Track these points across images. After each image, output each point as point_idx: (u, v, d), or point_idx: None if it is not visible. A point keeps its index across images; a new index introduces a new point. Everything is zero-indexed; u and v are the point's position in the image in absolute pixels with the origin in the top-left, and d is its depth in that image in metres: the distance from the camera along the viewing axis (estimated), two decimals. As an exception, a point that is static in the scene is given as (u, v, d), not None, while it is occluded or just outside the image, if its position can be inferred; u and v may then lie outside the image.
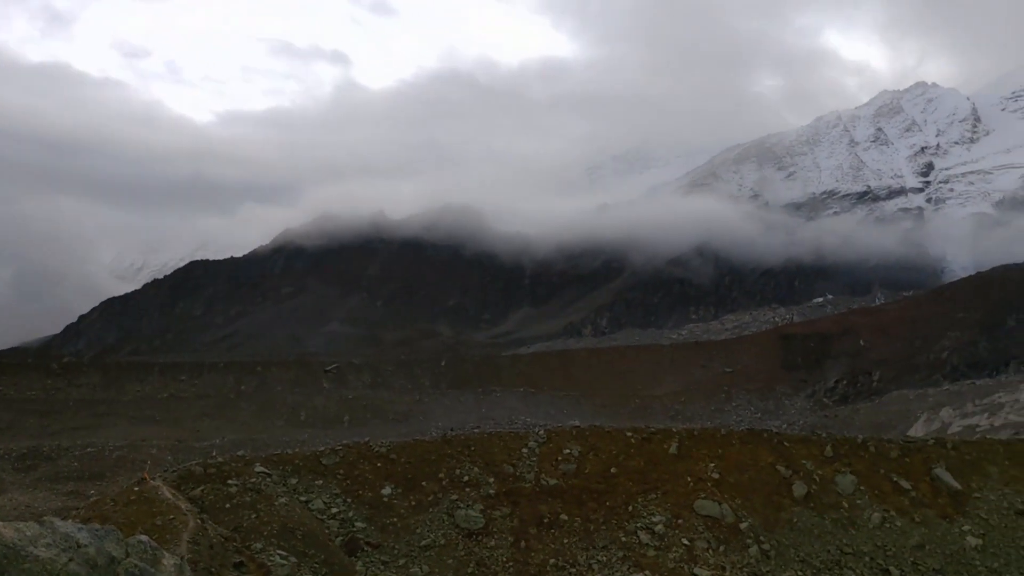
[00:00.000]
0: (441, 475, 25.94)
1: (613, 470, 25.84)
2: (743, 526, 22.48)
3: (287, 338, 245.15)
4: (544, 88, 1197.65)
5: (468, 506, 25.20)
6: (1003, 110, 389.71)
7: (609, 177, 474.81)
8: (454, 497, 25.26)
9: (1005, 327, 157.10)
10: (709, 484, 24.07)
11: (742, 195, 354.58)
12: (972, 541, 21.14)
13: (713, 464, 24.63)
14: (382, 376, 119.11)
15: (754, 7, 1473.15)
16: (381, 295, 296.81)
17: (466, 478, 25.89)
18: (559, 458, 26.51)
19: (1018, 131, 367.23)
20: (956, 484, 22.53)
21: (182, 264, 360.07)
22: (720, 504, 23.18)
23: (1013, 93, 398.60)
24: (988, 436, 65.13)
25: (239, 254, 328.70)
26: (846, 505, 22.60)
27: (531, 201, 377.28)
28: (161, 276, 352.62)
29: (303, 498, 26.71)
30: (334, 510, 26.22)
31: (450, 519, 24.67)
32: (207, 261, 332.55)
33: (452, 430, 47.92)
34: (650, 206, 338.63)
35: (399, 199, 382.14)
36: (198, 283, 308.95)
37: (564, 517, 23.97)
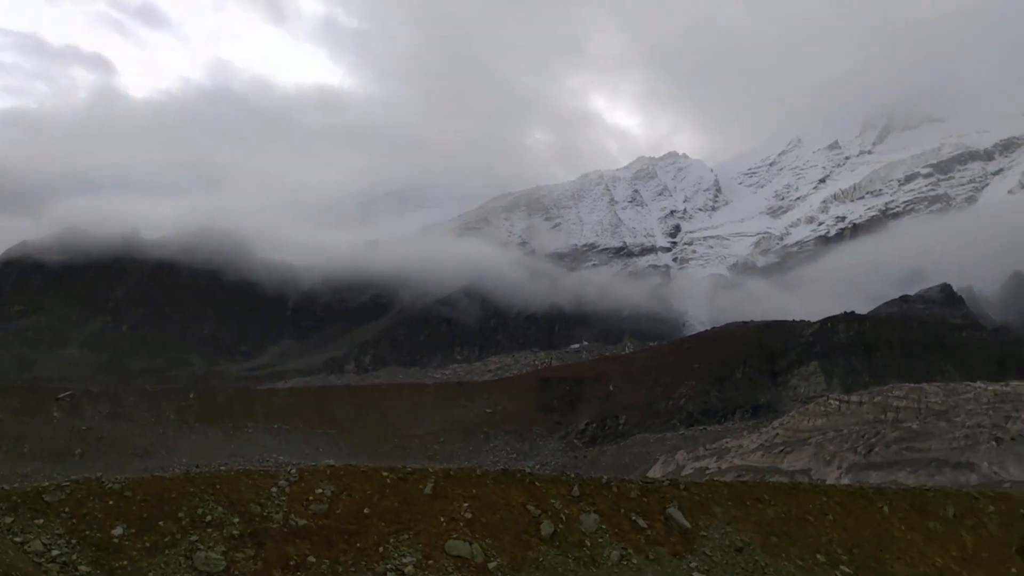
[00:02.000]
0: (181, 514, 24.08)
1: (366, 510, 25.21)
2: (491, 565, 22.71)
3: (14, 361, 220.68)
4: (321, 117, 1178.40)
5: (209, 548, 23.53)
6: (740, 184, 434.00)
7: (382, 213, 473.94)
8: (194, 538, 23.50)
9: (734, 378, 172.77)
10: (461, 524, 24.10)
11: (511, 241, 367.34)
12: (697, 577, 22.88)
13: (467, 504, 24.70)
14: (123, 406, 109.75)
15: (530, 64, 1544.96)
16: (128, 319, 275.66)
17: (208, 518, 24.20)
18: (310, 498, 25.49)
19: (752, 203, 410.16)
20: (686, 523, 24.12)
21: None
22: (471, 544, 23.27)
23: (749, 169, 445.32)
24: (715, 478, 70.52)
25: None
26: (589, 544, 23.45)
27: (299, 231, 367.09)
28: None
29: (18, 539, 23.80)
30: (55, 552, 23.58)
31: (188, 562, 22.90)
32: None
33: (197, 467, 44.86)
34: (421, 245, 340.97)
35: (156, 218, 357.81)
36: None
37: (312, 559, 23.08)
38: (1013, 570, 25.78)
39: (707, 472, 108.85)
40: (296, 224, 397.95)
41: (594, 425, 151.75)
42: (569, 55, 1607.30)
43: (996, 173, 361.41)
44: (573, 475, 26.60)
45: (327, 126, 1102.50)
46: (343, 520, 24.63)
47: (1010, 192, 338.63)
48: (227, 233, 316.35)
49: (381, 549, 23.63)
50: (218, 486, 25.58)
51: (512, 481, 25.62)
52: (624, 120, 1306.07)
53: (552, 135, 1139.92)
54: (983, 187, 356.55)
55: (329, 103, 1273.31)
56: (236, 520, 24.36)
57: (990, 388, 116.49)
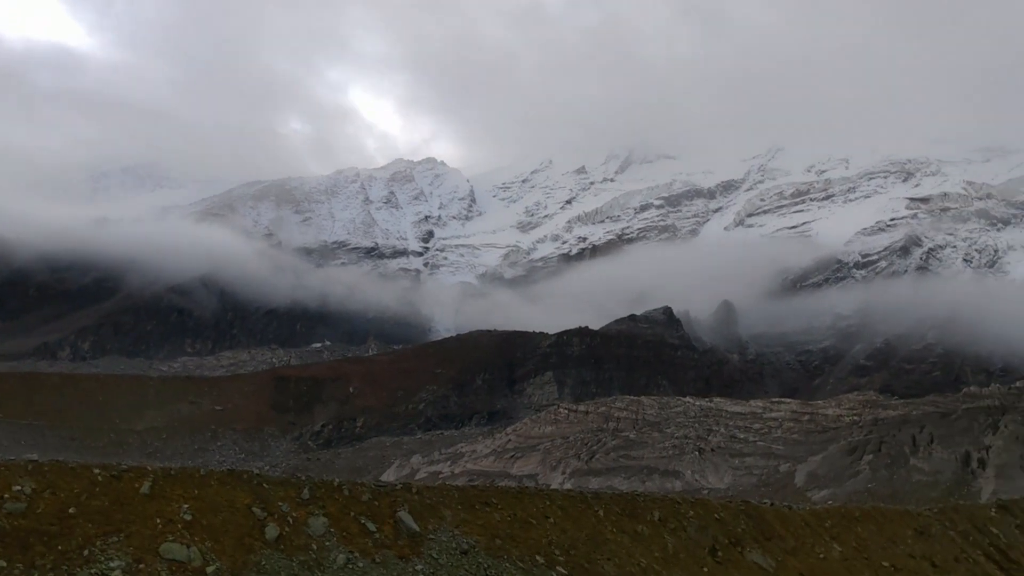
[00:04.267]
0: None
1: (72, 510, 22.94)
2: (210, 570, 21.54)
3: None
4: (52, 78, 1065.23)
5: None
6: (494, 196, 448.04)
7: (115, 189, 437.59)
8: None
9: (474, 385, 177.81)
10: (179, 526, 22.63)
11: (256, 232, 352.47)
12: (422, 579, 23.18)
13: (187, 505, 23.26)
14: None
15: (289, 50, 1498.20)
16: None
17: None
18: (6, 496, 22.80)
19: (504, 216, 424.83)
20: (415, 526, 24.29)
21: None
22: (188, 547, 21.93)
23: (503, 183, 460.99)
24: (447, 482, 71.96)
25: None
26: (315, 547, 22.94)
27: (15, 200, 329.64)
28: None
29: None
30: None
31: None
32: None
33: None
34: (157, 227, 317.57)
35: None
36: None
37: (2, 564, 20.66)
38: (706, 569, 28.46)
39: (440, 476, 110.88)
40: (13, 193, 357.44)
41: (330, 427, 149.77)
42: (333, 48, 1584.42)
43: (716, 210, 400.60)
44: (304, 477, 25.92)
45: (60, 89, 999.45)
46: (43, 521, 22.30)
47: (726, 229, 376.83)
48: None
49: (86, 552, 21.65)
50: None
51: (238, 482, 24.51)
52: (385, 120, 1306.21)
53: (309, 126, 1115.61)
54: (704, 222, 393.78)
55: (63, 63, 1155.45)
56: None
57: (697, 403, 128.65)
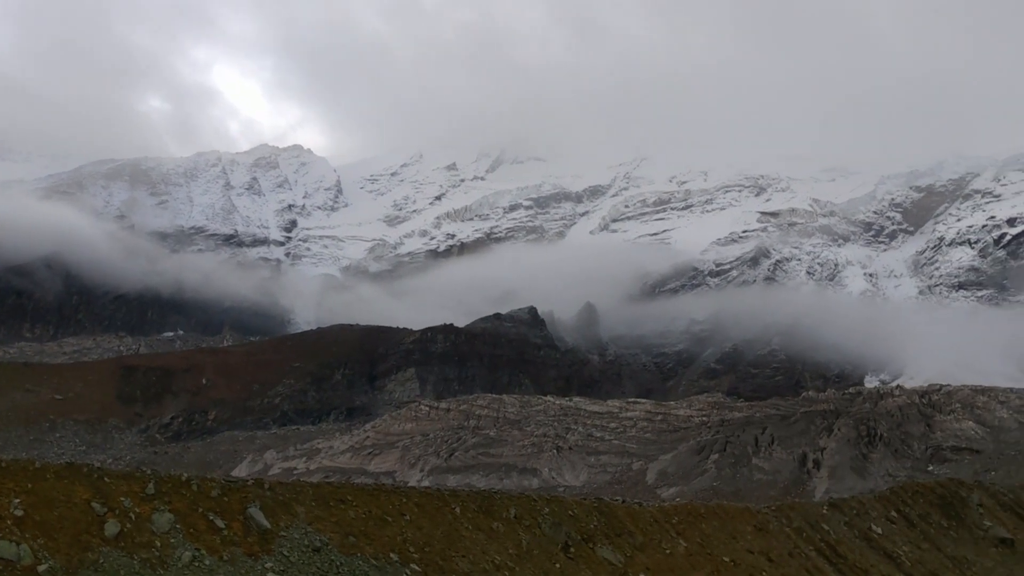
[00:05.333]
0: None
1: None
2: (42, 568, 20.32)
3: None
4: None
5: None
6: (362, 188, 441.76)
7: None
8: None
9: (333, 380, 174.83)
10: (9, 522, 21.26)
11: (107, 213, 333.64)
12: (272, 576, 22.64)
13: (19, 500, 21.86)
14: None
15: (153, 26, 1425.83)
16: None
17: None
18: None
19: (371, 209, 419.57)
20: (266, 523, 23.74)
21: None
22: (19, 544, 20.62)
23: (372, 175, 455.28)
24: (302, 479, 70.72)
25: None
26: (159, 544, 22.03)
27: None
28: None
29: None
30: None
31: None
32: None
33: None
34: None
35: None
36: None
37: None
38: (558, 565, 29.09)
39: (295, 472, 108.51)
40: None
41: (180, 419, 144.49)
42: (198, 25, 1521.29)
43: (583, 214, 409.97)
44: (150, 471, 24.82)
45: None
46: None
47: (591, 233, 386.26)
48: None
49: None
50: None
51: (77, 475, 23.22)
52: (250, 104, 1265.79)
53: (169, 105, 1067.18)
54: (571, 225, 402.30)
55: None
56: None
57: (557, 402, 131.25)
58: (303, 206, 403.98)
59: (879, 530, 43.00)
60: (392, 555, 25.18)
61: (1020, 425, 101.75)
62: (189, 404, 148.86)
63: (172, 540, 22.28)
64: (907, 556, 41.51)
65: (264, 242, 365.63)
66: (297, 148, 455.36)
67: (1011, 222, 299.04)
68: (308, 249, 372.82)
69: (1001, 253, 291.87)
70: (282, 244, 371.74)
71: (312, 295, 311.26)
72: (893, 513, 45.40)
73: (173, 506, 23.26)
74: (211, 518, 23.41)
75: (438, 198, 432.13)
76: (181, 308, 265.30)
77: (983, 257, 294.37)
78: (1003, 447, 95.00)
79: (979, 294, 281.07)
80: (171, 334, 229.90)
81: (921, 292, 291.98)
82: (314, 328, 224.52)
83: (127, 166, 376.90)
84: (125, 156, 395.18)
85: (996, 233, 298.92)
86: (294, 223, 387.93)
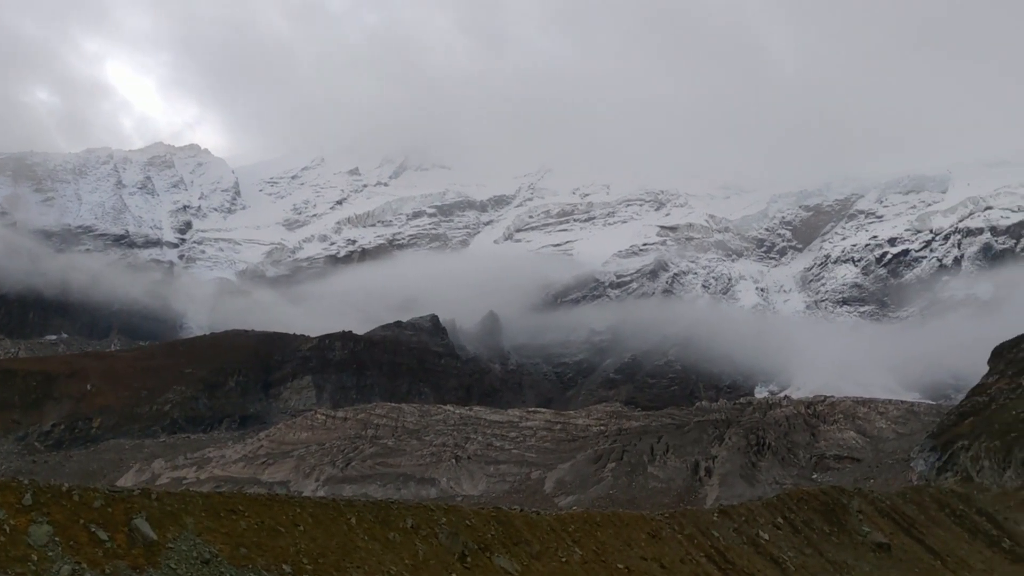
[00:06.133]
0: None
1: None
2: (-98, 587, 19.14)
3: None
4: None
5: None
6: (260, 191, 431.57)
7: None
8: None
9: (226, 387, 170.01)
10: None
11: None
12: (156, 590, 21.81)
13: None
14: None
15: (40, 14, 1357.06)
16: None
17: None
18: None
19: (270, 212, 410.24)
20: (153, 535, 22.90)
21: None
22: None
23: (271, 178, 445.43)
24: (192, 488, 68.42)
25: None
26: (36, 558, 21.04)
27: None
28: None
29: None
30: None
31: None
32: None
33: None
34: None
35: None
36: None
37: None
38: (454, 575, 29.04)
39: (185, 482, 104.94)
40: None
41: (62, 427, 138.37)
42: (91, 17, 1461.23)
43: (487, 223, 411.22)
44: (27, 481, 23.60)
45: None
46: None
47: (495, 242, 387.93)
48: None
49: None
50: None
51: (-55, 486, 21.97)
52: (144, 100, 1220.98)
53: (58, 98, 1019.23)
54: (475, 234, 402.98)
55: None
56: None
57: (457, 411, 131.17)
58: (199, 207, 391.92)
59: (766, 536, 44.54)
60: (285, 567, 24.66)
61: (898, 435, 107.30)
62: (72, 411, 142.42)
63: (50, 553, 21.29)
64: (792, 561, 43.13)
65: (157, 243, 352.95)
66: (194, 148, 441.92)
67: (892, 242, 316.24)
68: (203, 252, 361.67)
69: (882, 271, 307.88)
70: (176, 246, 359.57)
71: (206, 299, 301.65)
72: (779, 519, 47.11)
73: (52, 517, 22.22)
74: (93, 530, 22.46)
75: (339, 203, 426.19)
76: (66, 310, 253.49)
77: (866, 275, 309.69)
78: (882, 456, 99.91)
79: (861, 310, 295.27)
80: (54, 337, 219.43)
81: (808, 307, 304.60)
82: (207, 333, 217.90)
83: (10, 160, 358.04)
84: (8, 150, 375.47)
85: (878, 252, 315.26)
86: (189, 224, 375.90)
